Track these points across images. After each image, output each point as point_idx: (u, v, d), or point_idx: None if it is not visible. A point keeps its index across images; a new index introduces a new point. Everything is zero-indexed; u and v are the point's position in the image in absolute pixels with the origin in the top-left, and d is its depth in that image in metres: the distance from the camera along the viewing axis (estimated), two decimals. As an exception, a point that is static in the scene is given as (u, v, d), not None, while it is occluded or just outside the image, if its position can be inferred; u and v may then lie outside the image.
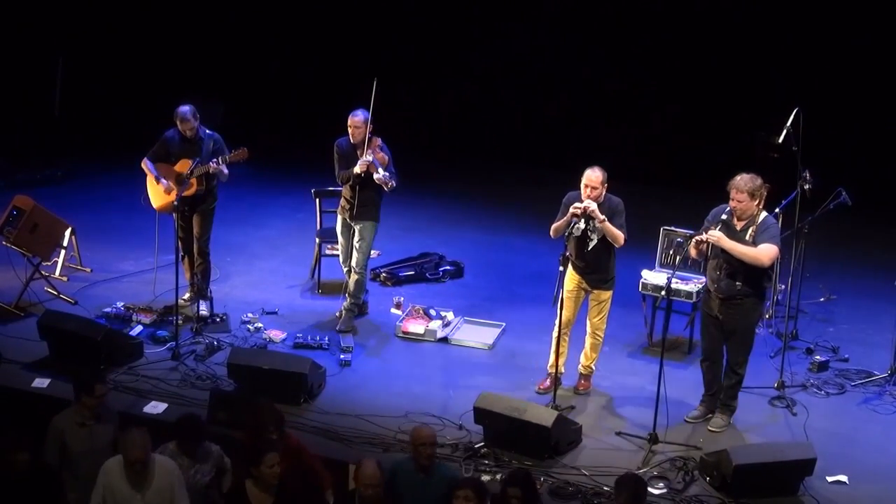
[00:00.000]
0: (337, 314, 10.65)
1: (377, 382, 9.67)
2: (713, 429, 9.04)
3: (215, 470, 7.70)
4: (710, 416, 9.16)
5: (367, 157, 10.07)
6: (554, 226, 9.31)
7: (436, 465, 7.68)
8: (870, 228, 12.78)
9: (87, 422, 7.80)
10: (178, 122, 10.37)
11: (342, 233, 10.54)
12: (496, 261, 12.31)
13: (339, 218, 10.53)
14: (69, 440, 7.76)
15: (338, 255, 10.79)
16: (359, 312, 10.67)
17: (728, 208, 8.73)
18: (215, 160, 10.28)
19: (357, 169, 10.08)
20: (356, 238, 10.40)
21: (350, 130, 10.18)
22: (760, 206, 8.75)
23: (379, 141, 10.25)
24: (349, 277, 10.59)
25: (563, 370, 9.42)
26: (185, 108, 10.34)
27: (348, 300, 10.53)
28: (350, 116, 10.19)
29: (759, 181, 8.67)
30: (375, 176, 10.07)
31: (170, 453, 7.57)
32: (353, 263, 10.45)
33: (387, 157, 10.20)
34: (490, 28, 15.23)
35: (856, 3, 13.47)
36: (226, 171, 10.38)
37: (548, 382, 9.52)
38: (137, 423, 7.88)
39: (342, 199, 10.44)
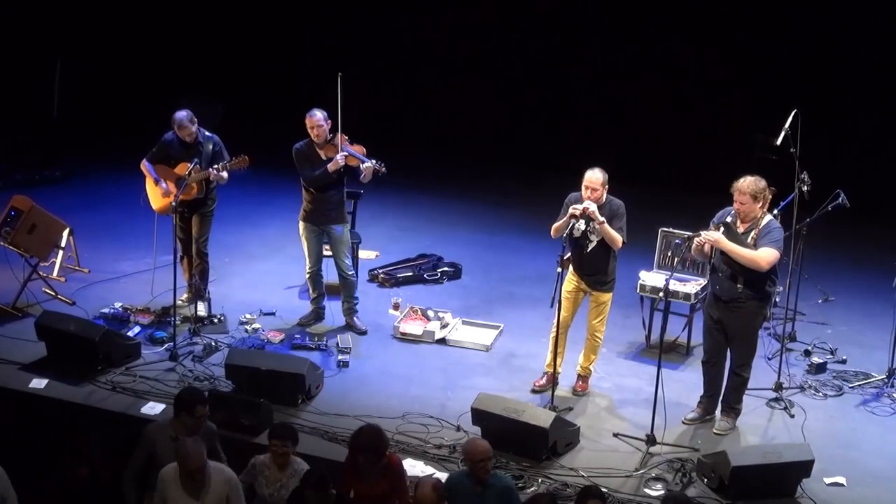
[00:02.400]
0: (300, 321, 10.58)
1: (375, 383, 9.67)
2: (718, 431, 9.03)
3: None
4: (709, 417, 9.16)
5: (343, 151, 9.97)
6: (554, 226, 9.30)
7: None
8: (868, 230, 12.78)
9: (182, 437, 7.68)
10: (175, 129, 10.33)
11: (309, 238, 10.39)
12: (494, 262, 12.31)
13: (303, 224, 10.36)
14: (159, 452, 7.69)
15: (330, 257, 10.72)
16: (316, 319, 10.62)
17: (733, 211, 8.73)
18: (215, 167, 10.26)
19: (331, 167, 9.96)
20: (336, 243, 10.34)
21: (312, 132, 10.06)
22: (764, 210, 8.73)
23: (346, 137, 10.16)
24: (314, 280, 10.53)
25: (560, 370, 9.42)
26: (182, 115, 10.27)
27: (348, 303, 10.52)
28: (308, 117, 10.06)
29: (762, 184, 8.65)
30: (363, 165, 9.95)
31: (260, 464, 7.59)
32: (341, 268, 10.41)
33: (363, 148, 10.12)
34: (488, 29, 15.24)
35: (854, 5, 13.48)
36: (225, 175, 10.36)
37: (543, 381, 9.53)
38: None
39: (306, 204, 10.28)
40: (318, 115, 10.07)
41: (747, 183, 8.62)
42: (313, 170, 10.14)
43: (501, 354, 10.29)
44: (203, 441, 7.68)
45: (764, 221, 8.73)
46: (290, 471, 7.64)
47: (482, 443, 7.58)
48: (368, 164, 9.98)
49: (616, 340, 10.32)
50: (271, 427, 7.87)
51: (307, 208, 10.33)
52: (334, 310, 10.67)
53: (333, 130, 10.13)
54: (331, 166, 10.01)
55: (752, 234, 8.69)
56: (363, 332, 10.43)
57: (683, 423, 9.10)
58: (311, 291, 10.63)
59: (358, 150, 10.09)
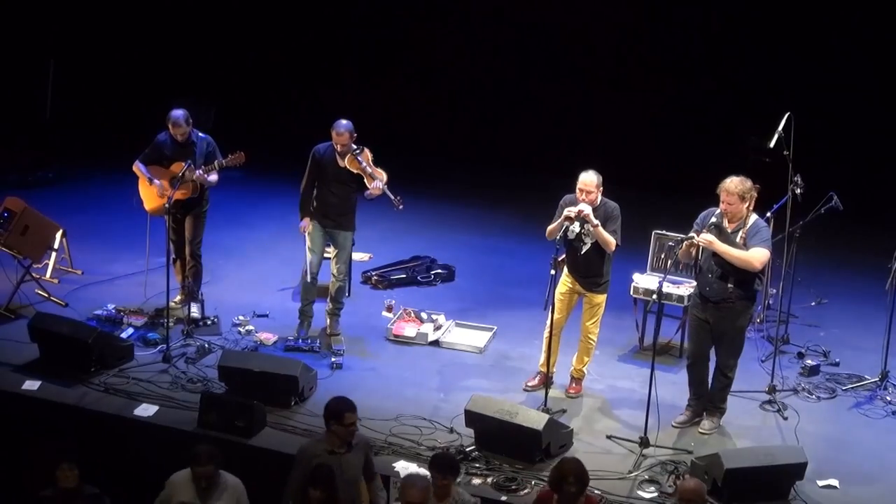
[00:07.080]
0: (299, 323, 10.53)
1: (368, 385, 9.66)
2: (703, 431, 9.05)
3: None
4: (698, 419, 9.16)
5: (378, 181, 9.95)
6: (549, 228, 9.29)
7: None
8: (861, 233, 12.78)
9: (338, 450, 7.57)
10: (170, 127, 10.34)
11: (313, 236, 10.26)
12: (488, 264, 12.31)
13: (312, 223, 10.22)
14: None
15: (329, 259, 10.70)
16: (306, 318, 10.53)
17: (718, 211, 8.74)
18: (201, 169, 10.23)
19: (373, 190, 9.97)
20: (338, 248, 10.28)
21: (337, 147, 10.00)
22: (750, 209, 8.75)
23: (370, 154, 10.10)
24: (310, 281, 10.49)
25: (554, 370, 9.43)
26: (178, 113, 10.29)
27: (331, 305, 10.45)
28: (333, 130, 9.96)
29: (748, 183, 8.67)
30: (373, 185, 9.92)
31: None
32: (336, 272, 10.32)
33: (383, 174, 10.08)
34: (483, 31, 15.24)
35: (847, 9, 13.50)
36: (212, 178, 10.32)
37: (535, 381, 9.54)
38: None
39: (318, 203, 10.17)
40: (342, 129, 9.95)
41: (734, 183, 8.63)
42: (313, 175, 10.11)
43: (495, 356, 10.28)
44: (357, 451, 7.61)
45: (751, 221, 8.74)
46: (451, 501, 7.40)
47: (692, 483, 7.26)
48: (378, 185, 9.95)
49: (609, 342, 10.32)
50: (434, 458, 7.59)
51: (317, 207, 10.20)
52: (319, 312, 10.64)
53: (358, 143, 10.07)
54: (367, 193, 10.03)
55: (741, 233, 8.70)
56: (336, 335, 10.34)
57: (673, 426, 9.07)
58: (302, 299, 10.49)
59: (378, 174, 10.02)
